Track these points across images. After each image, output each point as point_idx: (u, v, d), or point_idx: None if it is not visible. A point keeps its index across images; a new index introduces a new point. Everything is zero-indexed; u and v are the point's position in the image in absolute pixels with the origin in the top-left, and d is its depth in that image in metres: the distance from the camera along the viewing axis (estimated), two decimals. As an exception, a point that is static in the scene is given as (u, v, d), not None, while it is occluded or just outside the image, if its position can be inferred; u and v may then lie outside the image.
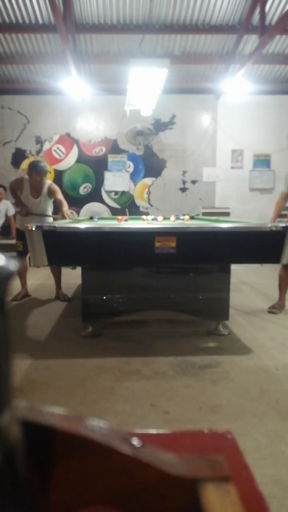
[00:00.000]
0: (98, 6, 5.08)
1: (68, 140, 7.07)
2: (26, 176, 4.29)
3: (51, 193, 4.26)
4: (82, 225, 2.86)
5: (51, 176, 6.95)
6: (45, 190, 4.25)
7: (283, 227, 2.67)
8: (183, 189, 7.23)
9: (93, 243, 2.66)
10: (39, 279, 5.37)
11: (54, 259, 2.71)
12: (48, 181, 4.32)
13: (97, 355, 2.76)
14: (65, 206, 4.21)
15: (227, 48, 5.93)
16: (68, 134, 7.06)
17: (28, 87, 6.72)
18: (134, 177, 7.18)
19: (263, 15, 4.83)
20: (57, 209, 4.37)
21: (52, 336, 3.18)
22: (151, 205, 7.22)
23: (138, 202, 7.23)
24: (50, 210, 4.40)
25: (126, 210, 7.11)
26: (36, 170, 4.14)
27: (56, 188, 4.32)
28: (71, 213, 4.40)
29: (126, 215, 5.99)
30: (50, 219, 4.32)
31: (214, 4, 5.06)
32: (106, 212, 7.09)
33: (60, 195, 4.30)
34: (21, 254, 4.27)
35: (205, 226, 2.97)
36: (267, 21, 4.99)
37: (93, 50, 5.92)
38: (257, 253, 2.78)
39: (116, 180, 7.14)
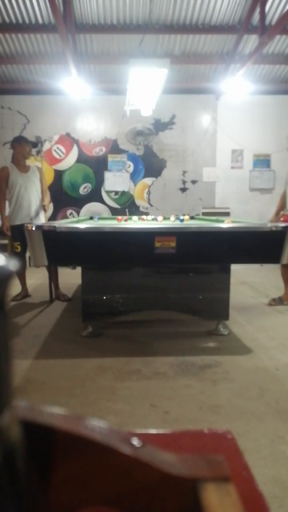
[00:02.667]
0: (98, 6, 5.08)
1: (68, 140, 7.07)
2: (7, 164, 4.40)
3: (40, 173, 4.36)
4: (82, 225, 2.86)
5: (51, 176, 6.95)
6: (34, 167, 4.36)
7: (283, 227, 2.67)
8: (183, 189, 7.23)
9: (93, 243, 2.66)
10: (39, 279, 5.37)
11: (54, 259, 2.71)
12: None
13: (97, 355, 2.76)
14: (47, 199, 4.39)
15: (227, 48, 5.93)
16: (68, 134, 7.06)
17: (28, 87, 6.72)
18: (134, 177, 7.18)
19: (263, 15, 4.83)
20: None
21: (52, 336, 3.18)
22: (151, 205, 7.22)
23: (138, 202, 7.23)
24: (39, 195, 4.35)
25: (126, 210, 7.11)
26: (25, 140, 4.34)
27: (44, 174, 4.48)
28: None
29: (126, 215, 5.99)
30: (41, 215, 4.34)
31: (214, 4, 5.06)
32: (106, 212, 7.09)
33: (46, 184, 4.44)
34: (18, 255, 4.22)
35: (205, 226, 2.97)
36: (267, 21, 4.99)
37: (93, 50, 5.92)
38: (257, 253, 2.78)
39: (116, 180, 7.14)
